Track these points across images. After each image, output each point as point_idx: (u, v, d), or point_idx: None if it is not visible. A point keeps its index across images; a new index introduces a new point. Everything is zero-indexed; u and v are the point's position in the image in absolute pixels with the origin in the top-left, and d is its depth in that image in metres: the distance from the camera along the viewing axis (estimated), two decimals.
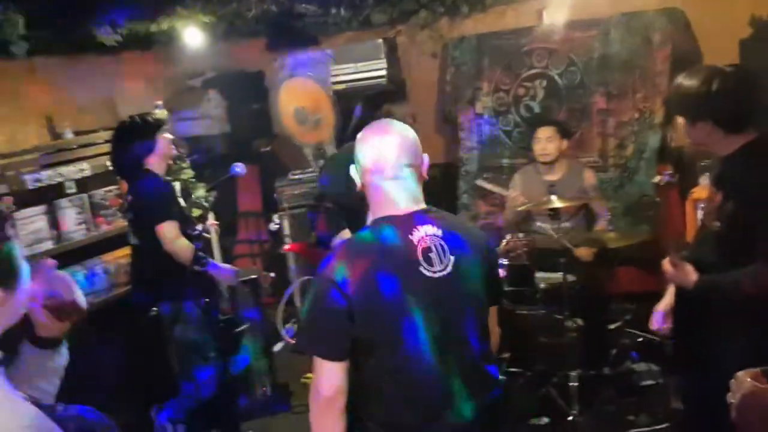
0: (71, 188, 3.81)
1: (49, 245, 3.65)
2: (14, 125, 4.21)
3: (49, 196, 3.70)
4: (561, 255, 3.32)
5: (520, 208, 3.69)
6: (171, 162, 3.41)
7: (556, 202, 3.39)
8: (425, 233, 1.68)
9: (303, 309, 1.74)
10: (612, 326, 3.80)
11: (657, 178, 4.10)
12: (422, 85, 4.93)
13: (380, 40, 4.78)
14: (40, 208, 3.63)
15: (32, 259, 1.19)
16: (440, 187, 4.80)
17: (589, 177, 3.93)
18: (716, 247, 2.08)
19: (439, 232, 1.69)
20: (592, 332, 3.53)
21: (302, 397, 3.73)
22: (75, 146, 3.98)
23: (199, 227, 3.39)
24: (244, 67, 5.42)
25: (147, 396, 3.43)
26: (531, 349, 3.63)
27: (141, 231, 3.21)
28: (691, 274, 2.06)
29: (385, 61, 4.72)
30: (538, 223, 3.89)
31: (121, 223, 3.90)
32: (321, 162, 4.72)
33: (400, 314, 1.62)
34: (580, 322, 3.46)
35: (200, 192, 4.26)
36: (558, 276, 3.38)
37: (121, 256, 3.91)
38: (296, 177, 4.93)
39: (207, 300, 3.28)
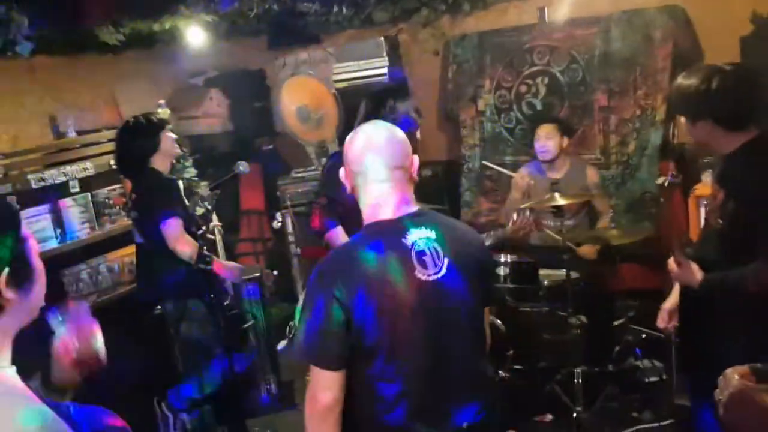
0: (75, 187, 3.82)
1: (53, 244, 3.66)
2: (18, 125, 4.22)
3: (53, 195, 3.71)
4: (564, 252, 3.32)
5: (522, 206, 3.68)
6: (174, 161, 3.42)
7: (559, 200, 3.39)
8: (418, 236, 1.67)
9: (299, 318, 1.71)
10: (615, 323, 3.81)
11: (661, 180, 4.08)
12: (424, 83, 4.92)
13: (382, 39, 4.78)
14: (44, 208, 3.65)
15: (68, 298, 1.19)
16: (443, 185, 4.81)
17: (592, 174, 3.94)
18: (719, 245, 2.09)
19: (432, 235, 1.68)
20: (596, 329, 3.54)
21: None
22: (78, 145, 3.99)
23: (204, 228, 3.39)
24: (246, 65, 5.44)
25: (152, 393, 3.44)
26: (535, 346, 3.64)
27: (145, 229, 3.22)
28: (697, 273, 2.07)
29: (386, 59, 4.72)
30: (543, 221, 3.89)
31: (125, 221, 3.91)
32: (323, 160, 4.72)
33: (396, 320, 1.62)
34: (583, 319, 3.47)
35: (203, 191, 4.26)
36: (561, 273, 3.38)
37: (126, 254, 3.93)
38: (299, 175, 4.93)
39: (212, 297, 3.29)
